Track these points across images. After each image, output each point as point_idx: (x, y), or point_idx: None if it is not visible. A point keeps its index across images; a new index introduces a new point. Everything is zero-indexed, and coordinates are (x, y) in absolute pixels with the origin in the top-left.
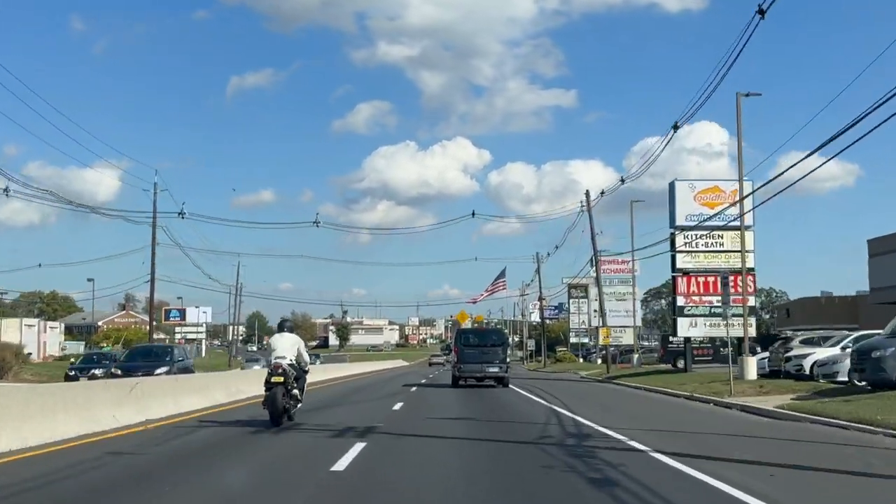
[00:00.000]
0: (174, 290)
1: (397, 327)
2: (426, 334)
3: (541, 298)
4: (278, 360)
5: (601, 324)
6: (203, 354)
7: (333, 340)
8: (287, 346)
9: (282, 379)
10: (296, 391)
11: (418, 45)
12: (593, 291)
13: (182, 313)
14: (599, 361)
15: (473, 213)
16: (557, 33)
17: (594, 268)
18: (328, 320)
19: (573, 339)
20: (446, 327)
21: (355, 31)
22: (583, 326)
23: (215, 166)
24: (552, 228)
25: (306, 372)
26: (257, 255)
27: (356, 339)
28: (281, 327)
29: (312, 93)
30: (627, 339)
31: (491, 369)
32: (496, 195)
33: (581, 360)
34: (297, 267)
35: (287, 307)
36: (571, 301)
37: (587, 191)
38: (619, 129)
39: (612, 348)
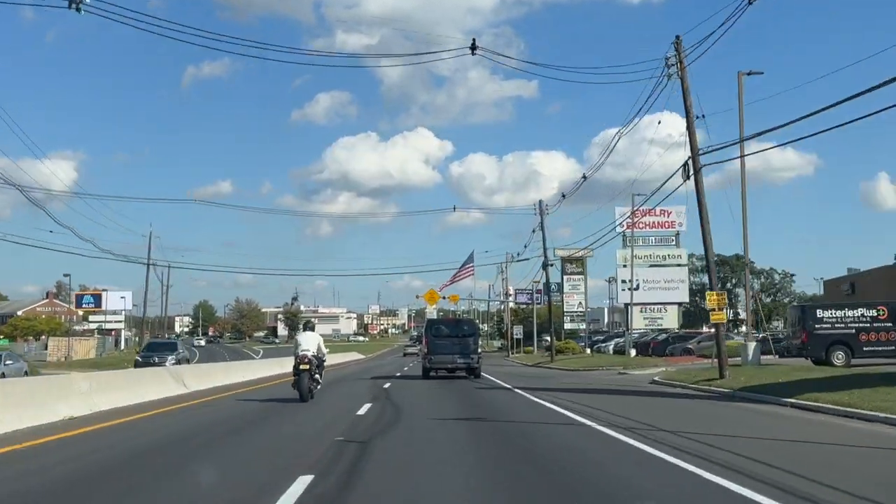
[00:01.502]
0: (92, 274)
1: (354, 315)
2: (388, 324)
3: (546, 265)
4: (304, 353)
5: (710, 285)
6: (122, 347)
7: (283, 331)
8: (311, 342)
9: (308, 367)
10: (317, 375)
11: (377, 33)
12: (622, 254)
13: (97, 299)
14: (633, 353)
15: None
16: (519, 23)
17: (691, 177)
18: (280, 309)
19: (568, 325)
20: (409, 316)
21: (312, 19)
22: (580, 309)
23: (173, 157)
24: (517, 221)
25: (323, 361)
26: (142, 199)
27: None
28: (306, 327)
29: (271, 83)
30: (670, 320)
31: (462, 360)
32: (458, 186)
33: (588, 350)
34: (258, 257)
35: (232, 293)
36: (566, 278)
37: (678, 36)
38: (580, 119)
39: (638, 333)
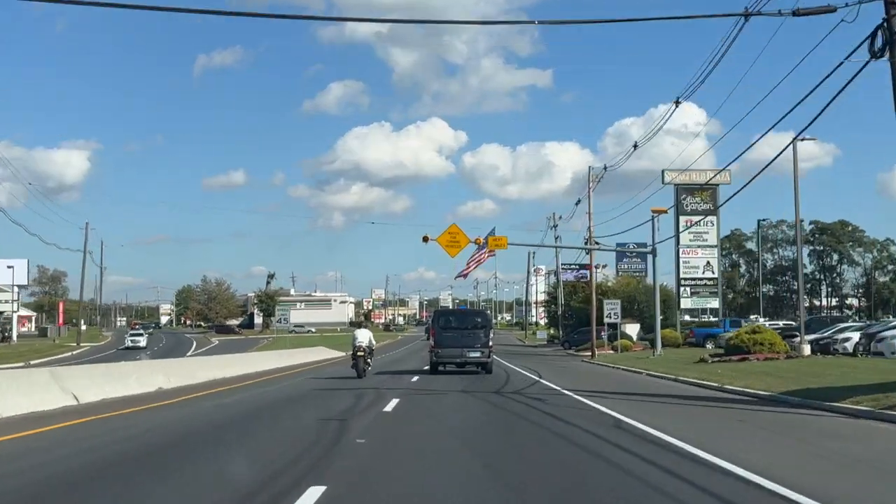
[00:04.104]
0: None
1: (351, 300)
2: (396, 313)
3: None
4: (359, 344)
5: None
6: (14, 339)
7: (258, 318)
8: (364, 336)
9: (363, 354)
10: (369, 360)
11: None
12: None
13: None
14: None
15: None
16: (532, 10)
17: None
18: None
19: (686, 303)
20: (421, 304)
21: (322, 6)
22: (708, 275)
23: (184, 146)
24: (529, 213)
25: (373, 350)
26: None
27: (291, 315)
28: (359, 325)
29: (282, 72)
30: None
31: (472, 354)
32: (471, 177)
33: (807, 349)
34: (272, 248)
35: (244, 284)
36: (684, 222)
37: None
38: (595, 110)
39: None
